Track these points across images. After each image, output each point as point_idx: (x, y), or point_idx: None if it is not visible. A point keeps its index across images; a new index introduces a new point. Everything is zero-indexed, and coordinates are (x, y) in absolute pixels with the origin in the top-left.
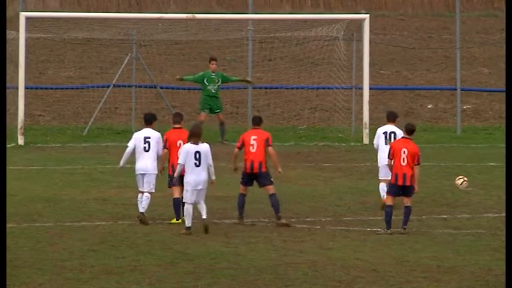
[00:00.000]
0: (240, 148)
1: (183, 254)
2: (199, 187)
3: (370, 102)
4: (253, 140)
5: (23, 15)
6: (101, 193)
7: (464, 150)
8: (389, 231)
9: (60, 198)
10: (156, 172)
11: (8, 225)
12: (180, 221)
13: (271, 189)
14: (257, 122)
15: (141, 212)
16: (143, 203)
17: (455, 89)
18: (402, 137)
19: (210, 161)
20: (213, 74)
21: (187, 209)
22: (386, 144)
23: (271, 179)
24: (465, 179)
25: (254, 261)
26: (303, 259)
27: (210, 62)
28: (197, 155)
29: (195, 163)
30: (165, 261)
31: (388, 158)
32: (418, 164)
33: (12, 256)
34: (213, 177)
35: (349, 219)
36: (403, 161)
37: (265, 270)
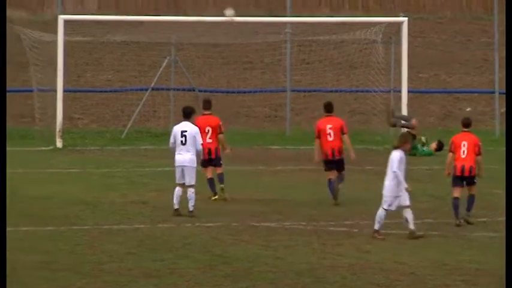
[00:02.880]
0: (318, 137)
1: (221, 257)
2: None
3: (409, 105)
4: (329, 128)
5: (61, 18)
6: (139, 196)
7: (503, 153)
8: (457, 222)
9: (98, 201)
10: (195, 165)
11: (47, 228)
12: (217, 196)
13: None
14: (329, 109)
15: (176, 209)
16: (191, 201)
17: (494, 92)
18: (462, 131)
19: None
20: None
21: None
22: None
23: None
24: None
25: (293, 264)
26: (341, 262)
27: None
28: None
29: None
30: (203, 264)
31: (450, 151)
32: (480, 154)
33: (51, 259)
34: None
35: (388, 222)
36: (463, 153)
37: (304, 274)
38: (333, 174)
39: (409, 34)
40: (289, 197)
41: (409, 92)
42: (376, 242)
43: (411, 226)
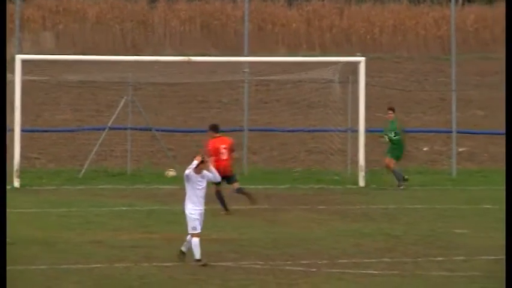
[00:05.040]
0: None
1: None
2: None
3: (366, 145)
4: (223, 148)
5: (18, 57)
6: (96, 235)
7: (459, 193)
8: None
9: (55, 240)
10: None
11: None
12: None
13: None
14: (218, 130)
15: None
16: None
17: (451, 132)
18: None
19: None
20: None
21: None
22: None
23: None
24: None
25: None
26: None
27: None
28: None
29: None
30: None
31: None
32: None
33: None
34: None
35: (345, 262)
36: None
37: None
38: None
39: (366, 74)
40: (245, 236)
41: (366, 131)
42: (333, 282)
43: None
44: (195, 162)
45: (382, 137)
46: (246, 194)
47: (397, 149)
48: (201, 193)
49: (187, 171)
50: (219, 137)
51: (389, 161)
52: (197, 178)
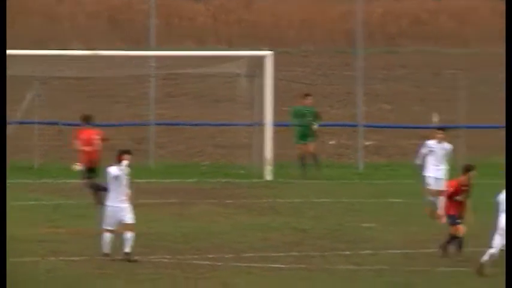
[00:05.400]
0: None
1: None
2: None
3: (274, 139)
4: (95, 139)
5: None
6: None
7: (366, 187)
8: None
9: None
10: None
11: None
12: None
13: None
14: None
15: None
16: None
17: (358, 126)
18: None
19: None
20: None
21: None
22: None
23: None
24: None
25: None
26: None
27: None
28: None
29: None
30: None
31: None
32: None
33: None
34: None
35: (252, 256)
36: None
37: None
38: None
39: (273, 68)
40: (153, 230)
41: (273, 125)
42: (240, 276)
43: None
44: (126, 163)
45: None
46: (95, 192)
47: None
48: (123, 190)
49: (118, 172)
50: (90, 128)
51: (310, 146)
52: (123, 176)
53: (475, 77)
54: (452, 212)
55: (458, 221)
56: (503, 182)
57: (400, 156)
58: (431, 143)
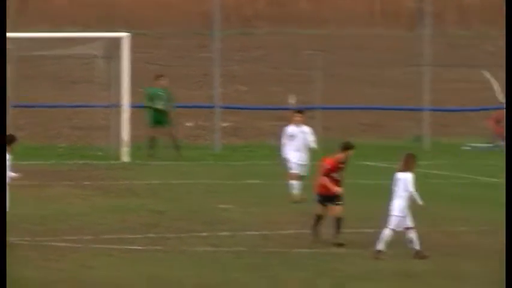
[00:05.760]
0: None
1: None
2: None
3: (131, 120)
4: None
5: None
6: None
7: (223, 168)
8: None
9: None
10: None
11: None
12: None
13: None
14: None
15: None
16: None
17: (214, 107)
18: None
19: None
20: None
21: None
22: None
23: None
24: None
25: (18, 280)
26: (64, 277)
27: None
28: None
29: None
30: None
31: None
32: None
33: None
34: None
35: (110, 238)
36: None
37: None
38: None
39: (130, 49)
40: (11, 212)
41: (131, 107)
42: (99, 258)
43: (417, 246)
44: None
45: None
46: None
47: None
48: None
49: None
50: None
51: (166, 130)
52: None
53: (331, 58)
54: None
55: (339, 202)
56: (362, 162)
57: (257, 138)
58: (290, 128)
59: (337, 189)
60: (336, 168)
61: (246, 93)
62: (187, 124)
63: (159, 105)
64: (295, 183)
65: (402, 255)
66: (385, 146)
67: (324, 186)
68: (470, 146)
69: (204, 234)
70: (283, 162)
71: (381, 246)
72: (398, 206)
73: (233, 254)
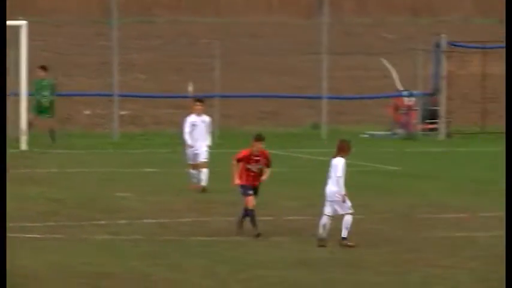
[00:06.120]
0: None
1: None
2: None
3: (28, 109)
4: None
5: None
6: None
7: (121, 156)
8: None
9: None
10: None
11: None
12: None
13: None
14: None
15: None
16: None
17: (112, 95)
18: None
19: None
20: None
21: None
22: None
23: None
24: None
25: None
26: None
27: None
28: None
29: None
30: None
31: None
32: None
33: None
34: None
35: (9, 226)
36: None
37: None
38: None
39: (28, 37)
40: None
41: (30, 95)
42: None
43: (344, 234)
44: None
45: None
46: None
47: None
48: None
49: None
50: None
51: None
52: None
53: (230, 46)
54: (244, 182)
55: (250, 192)
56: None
57: (155, 126)
58: (192, 117)
59: (236, 181)
60: (248, 159)
61: (145, 81)
62: (86, 112)
63: (42, 96)
64: (195, 173)
65: (302, 243)
66: (283, 134)
67: (243, 176)
68: (368, 134)
69: (103, 222)
70: (184, 151)
71: (322, 234)
72: (330, 191)
73: (131, 242)
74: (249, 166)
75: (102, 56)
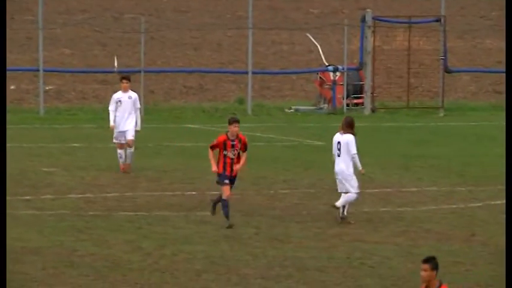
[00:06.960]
0: None
1: None
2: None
3: None
4: None
5: None
6: None
7: (47, 131)
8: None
9: None
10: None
11: None
12: None
13: None
14: None
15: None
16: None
17: (38, 70)
18: None
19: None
20: None
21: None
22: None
23: None
24: None
25: None
26: None
27: None
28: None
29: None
30: None
31: None
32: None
33: None
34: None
35: None
36: None
37: None
38: None
39: None
40: None
41: None
42: None
43: (345, 212)
44: None
45: None
46: None
47: None
48: None
49: None
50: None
51: None
52: None
53: (154, 21)
54: (221, 170)
55: (226, 181)
56: (185, 125)
57: (80, 101)
58: (118, 94)
59: (213, 169)
60: (224, 145)
61: (70, 56)
62: (11, 87)
63: None
64: (121, 152)
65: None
66: (209, 109)
67: (220, 164)
68: (293, 109)
69: (28, 197)
70: (111, 130)
71: (343, 213)
72: (340, 169)
73: (57, 217)
74: (225, 152)
75: (28, 31)
